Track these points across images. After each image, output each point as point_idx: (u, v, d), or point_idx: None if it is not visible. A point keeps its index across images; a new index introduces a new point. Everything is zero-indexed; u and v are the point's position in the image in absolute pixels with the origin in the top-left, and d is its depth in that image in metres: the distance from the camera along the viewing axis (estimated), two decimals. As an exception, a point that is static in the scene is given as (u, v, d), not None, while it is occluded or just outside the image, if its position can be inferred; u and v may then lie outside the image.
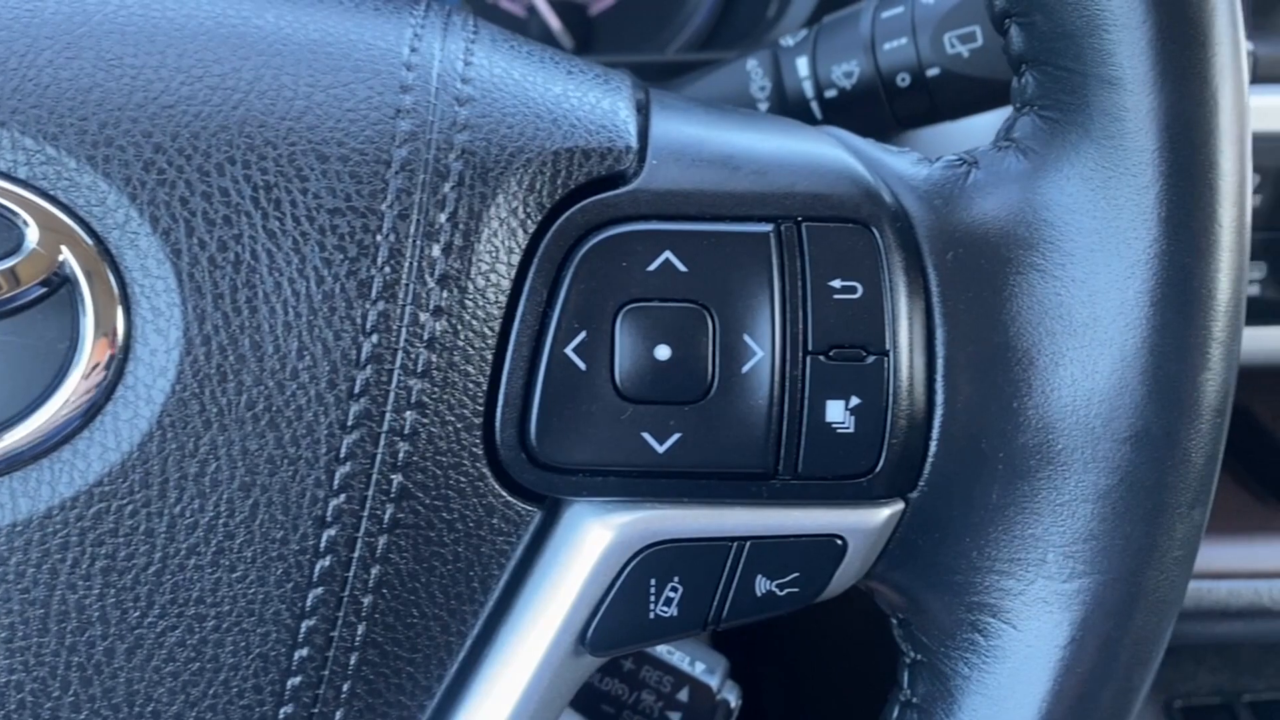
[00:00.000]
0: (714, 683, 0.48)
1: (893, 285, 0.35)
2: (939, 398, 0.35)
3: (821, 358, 0.35)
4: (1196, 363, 0.34)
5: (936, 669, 0.37)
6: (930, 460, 0.36)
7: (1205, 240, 0.34)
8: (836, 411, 0.35)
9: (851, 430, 0.35)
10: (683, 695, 0.48)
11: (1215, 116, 0.34)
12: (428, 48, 0.35)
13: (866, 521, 0.36)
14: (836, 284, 0.35)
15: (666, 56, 0.81)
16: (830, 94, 0.53)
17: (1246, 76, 0.35)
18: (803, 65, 0.53)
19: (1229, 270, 0.34)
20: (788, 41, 0.54)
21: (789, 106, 0.54)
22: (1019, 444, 0.35)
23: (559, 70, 0.37)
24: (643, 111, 0.37)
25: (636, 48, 0.83)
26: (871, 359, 0.35)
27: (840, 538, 0.36)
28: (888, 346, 0.35)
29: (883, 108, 0.52)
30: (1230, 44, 0.34)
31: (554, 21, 0.81)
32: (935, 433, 0.36)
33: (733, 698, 0.48)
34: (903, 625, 0.39)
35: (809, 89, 0.53)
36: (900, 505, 0.36)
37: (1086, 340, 0.34)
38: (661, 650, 0.48)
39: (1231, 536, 0.78)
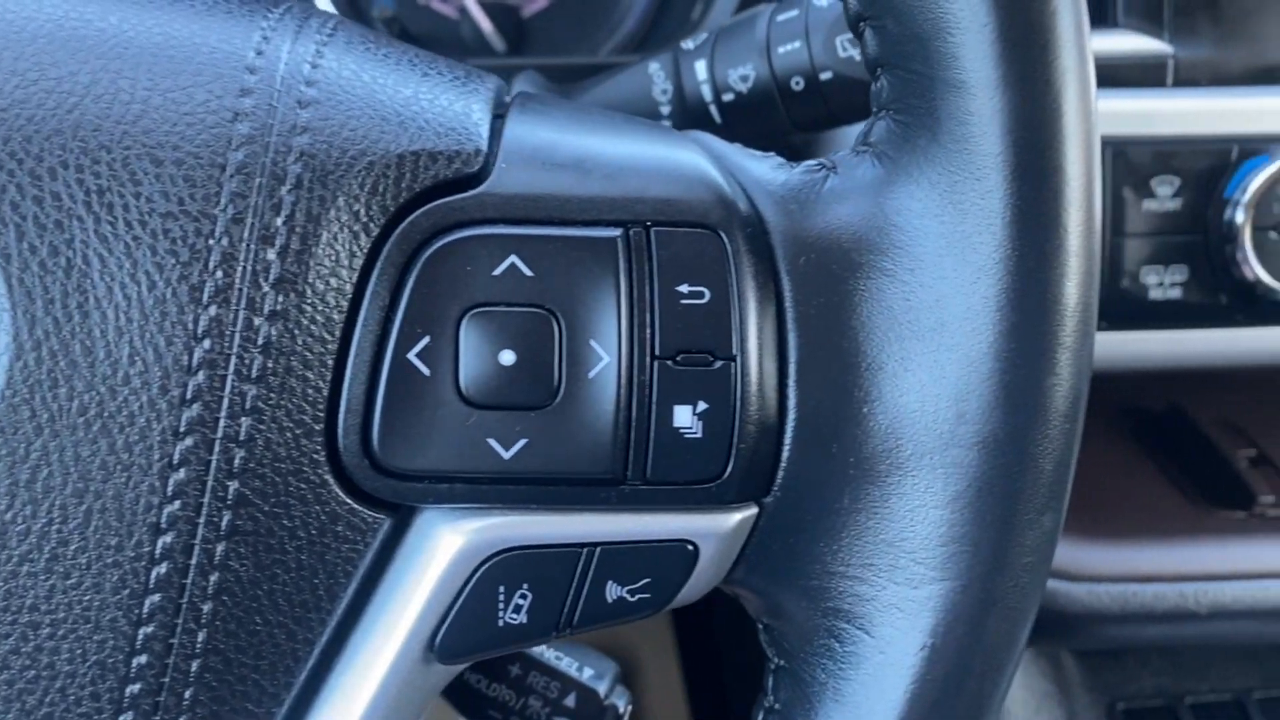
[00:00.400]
0: (601, 688, 0.47)
1: (741, 290, 0.35)
2: (791, 402, 0.35)
3: (669, 363, 0.34)
4: (1043, 368, 0.34)
5: (796, 675, 0.37)
6: (783, 465, 0.36)
7: (1050, 244, 0.34)
8: (684, 416, 0.34)
9: (700, 435, 0.34)
10: (570, 701, 0.47)
11: (1059, 120, 0.33)
12: (274, 50, 0.35)
13: (718, 526, 0.36)
14: (684, 289, 0.34)
15: (599, 59, 0.81)
16: (728, 97, 0.52)
17: (1093, 79, 0.34)
18: (701, 69, 0.53)
19: (1076, 274, 0.34)
20: (688, 45, 0.54)
21: (689, 109, 0.54)
22: (869, 449, 0.35)
23: (414, 72, 0.37)
24: (501, 114, 0.37)
25: (569, 50, 0.82)
26: (719, 364, 0.34)
27: (691, 543, 0.35)
28: (735, 351, 0.34)
29: (779, 111, 0.52)
30: (1074, 46, 0.34)
31: (485, 23, 0.81)
32: (787, 437, 0.35)
33: (621, 703, 0.48)
34: (767, 630, 0.39)
35: (707, 92, 0.53)
36: (754, 510, 0.36)
37: (934, 345, 0.34)
38: (549, 655, 0.48)
39: (1159, 540, 0.78)
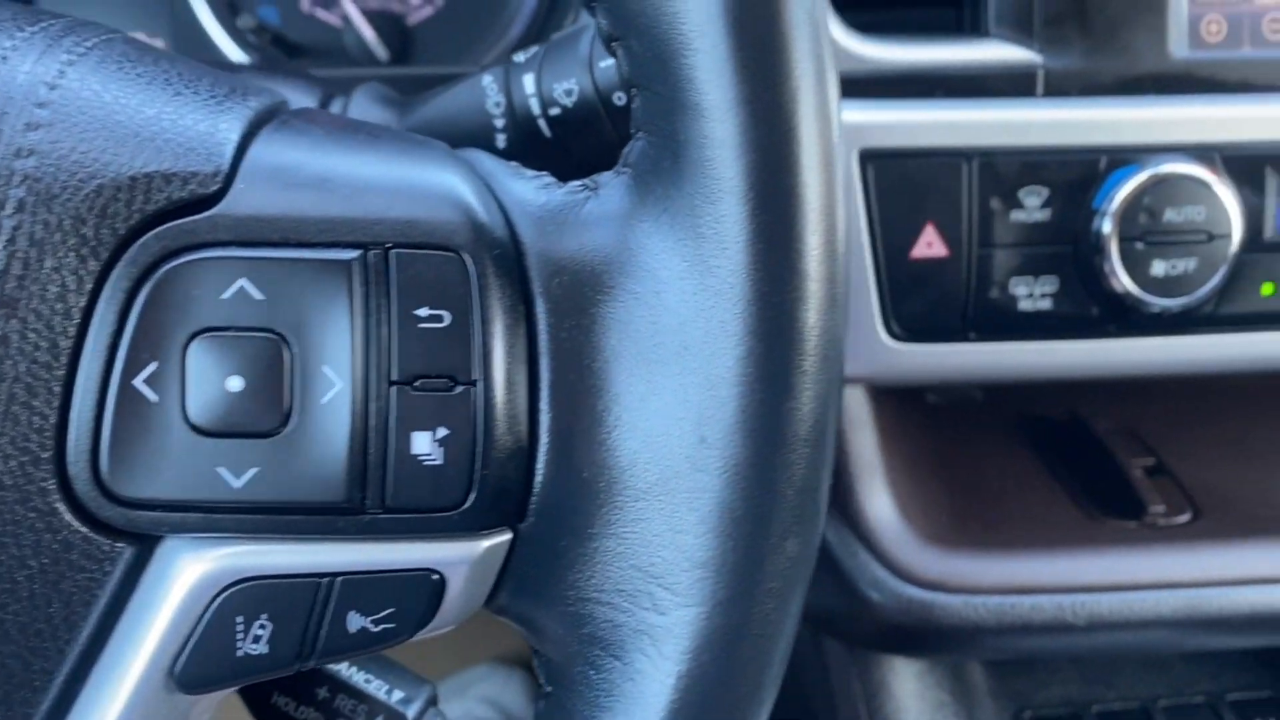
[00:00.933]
0: (410, 711, 0.47)
1: (486, 314, 0.34)
2: (542, 426, 0.35)
3: (407, 388, 0.34)
4: (781, 393, 0.33)
5: (560, 702, 0.37)
6: (536, 490, 0.35)
7: (785, 269, 0.33)
8: (423, 443, 0.34)
9: (440, 462, 0.34)
10: (377, 724, 0.47)
11: (793, 143, 0.33)
12: (9, 71, 0.34)
13: (466, 554, 0.35)
14: (423, 312, 0.34)
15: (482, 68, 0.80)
16: (554, 111, 0.52)
17: (833, 100, 0.34)
18: (529, 82, 0.52)
19: (815, 299, 0.34)
20: (519, 58, 0.54)
21: (519, 123, 0.53)
22: (617, 473, 0.34)
23: (166, 91, 0.36)
24: (254, 133, 0.36)
25: (455, 59, 0.82)
26: (460, 389, 0.34)
27: (437, 572, 0.35)
28: (476, 376, 0.34)
29: (605, 126, 0.51)
30: (810, 68, 0.33)
31: (368, 32, 0.80)
32: (540, 462, 0.35)
33: (433, 726, 0.47)
34: (537, 656, 0.38)
35: (535, 106, 0.52)
36: (508, 536, 0.36)
37: (678, 369, 0.34)
38: (359, 678, 0.47)
39: (1046, 550, 0.78)
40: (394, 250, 0.34)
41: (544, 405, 0.35)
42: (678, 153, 0.34)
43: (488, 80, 0.54)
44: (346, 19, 0.80)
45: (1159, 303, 0.67)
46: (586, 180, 0.37)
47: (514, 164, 0.38)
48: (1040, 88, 0.68)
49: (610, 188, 0.36)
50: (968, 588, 0.74)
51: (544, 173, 0.38)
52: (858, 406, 0.76)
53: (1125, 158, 0.67)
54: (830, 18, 0.67)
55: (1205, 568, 0.76)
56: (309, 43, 0.81)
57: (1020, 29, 0.68)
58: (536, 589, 0.36)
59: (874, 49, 0.67)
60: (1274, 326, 0.70)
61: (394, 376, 0.34)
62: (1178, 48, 0.68)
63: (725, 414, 0.33)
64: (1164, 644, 0.77)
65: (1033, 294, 0.68)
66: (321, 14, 0.81)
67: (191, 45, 0.80)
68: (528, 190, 0.37)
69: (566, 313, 0.35)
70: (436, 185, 0.35)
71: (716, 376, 0.33)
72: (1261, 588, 0.75)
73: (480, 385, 0.34)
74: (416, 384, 0.34)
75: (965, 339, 0.69)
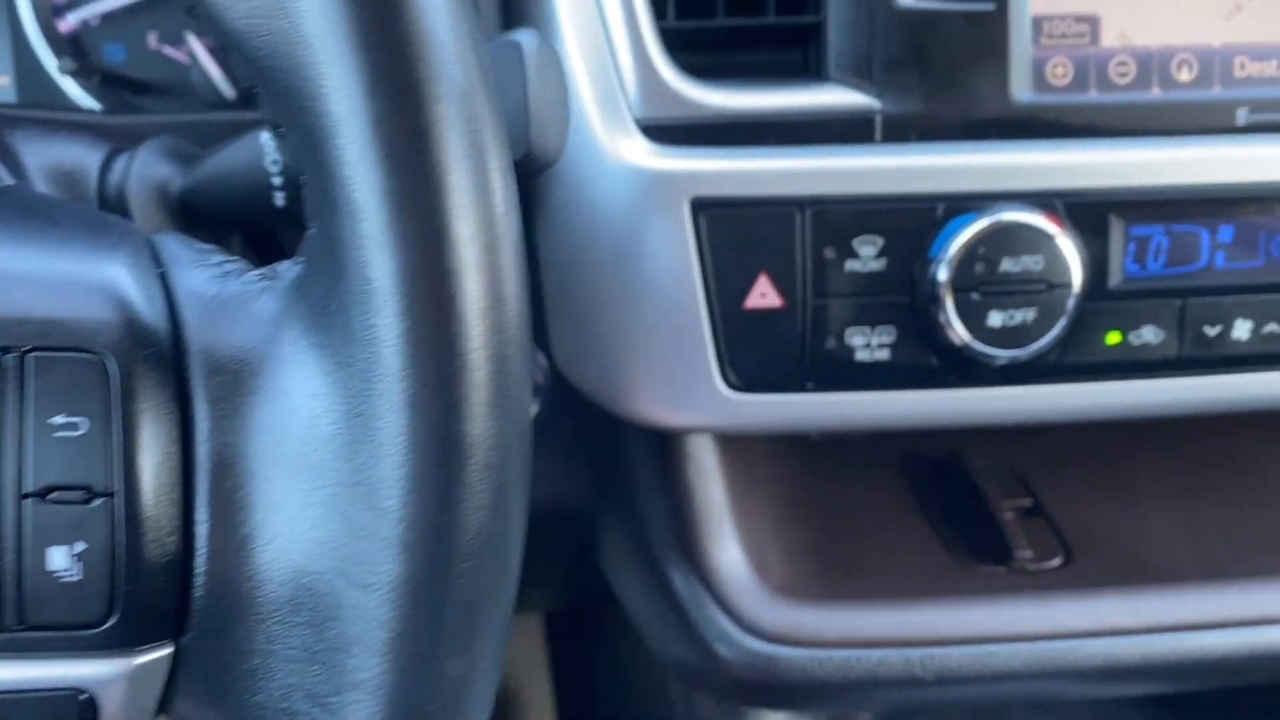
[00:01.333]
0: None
1: (130, 420, 0.32)
2: (198, 537, 0.33)
3: (41, 501, 0.32)
4: (436, 508, 0.32)
5: None
6: (195, 604, 0.33)
7: (439, 376, 0.31)
8: (60, 558, 0.32)
9: (79, 578, 0.32)
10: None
11: (444, 243, 0.31)
12: None
13: (118, 671, 0.33)
14: (58, 420, 0.32)
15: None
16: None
17: (499, 197, 0.32)
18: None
19: (474, 406, 0.32)
20: (293, 116, 0.52)
21: (295, 181, 0.51)
22: (274, 588, 0.33)
23: None
24: None
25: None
26: (99, 501, 0.32)
27: (85, 691, 0.33)
28: (114, 487, 0.32)
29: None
30: (466, 166, 0.31)
31: (214, 70, 0.78)
32: (198, 574, 0.33)
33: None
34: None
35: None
36: (167, 650, 0.34)
37: (334, 480, 0.32)
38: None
39: (904, 600, 0.76)
40: (32, 354, 0.32)
41: (200, 515, 0.33)
42: (333, 249, 0.32)
43: (265, 137, 0.52)
44: (194, 56, 0.79)
45: (998, 354, 0.66)
46: (267, 269, 0.35)
47: (207, 249, 0.37)
48: (878, 133, 0.66)
49: (284, 279, 0.35)
50: (813, 641, 0.72)
51: (233, 259, 0.36)
52: (705, 455, 0.74)
53: (963, 205, 0.66)
54: (664, 62, 0.65)
55: (1064, 619, 0.75)
56: (156, 81, 0.79)
57: (859, 73, 0.66)
58: (209, 702, 0.34)
59: (708, 94, 0.66)
60: (1120, 376, 0.68)
61: (26, 488, 0.32)
62: (1021, 91, 0.67)
63: (382, 528, 0.32)
64: (1018, 696, 0.76)
65: (870, 344, 0.67)
66: (169, 51, 0.79)
67: (36, 88, 0.79)
68: (202, 280, 0.35)
69: (225, 415, 0.33)
70: (93, 280, 0.34)
71: (373, 488, 0.32)
72: (1118, 639, 0.74)
73: (120, 497, 0.32)
74: (51, 496, 0.32)
75: (803, 389, 0.67)
